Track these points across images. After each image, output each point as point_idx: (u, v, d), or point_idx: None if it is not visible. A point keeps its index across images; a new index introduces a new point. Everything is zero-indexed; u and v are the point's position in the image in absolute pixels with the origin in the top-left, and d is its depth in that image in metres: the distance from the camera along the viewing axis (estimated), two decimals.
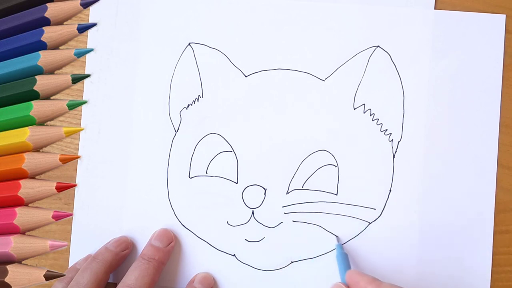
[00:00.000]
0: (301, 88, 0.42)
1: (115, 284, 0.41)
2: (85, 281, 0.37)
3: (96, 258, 0.39)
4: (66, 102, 0.43)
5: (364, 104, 0.42)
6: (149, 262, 0.39)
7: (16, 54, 0.43)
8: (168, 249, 0.40)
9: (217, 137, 0.42)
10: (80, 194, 0.42)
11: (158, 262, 0.39)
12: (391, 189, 0.41)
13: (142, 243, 0.42)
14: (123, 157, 0.42)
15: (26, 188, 0.42)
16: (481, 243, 0.40)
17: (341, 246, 0.40)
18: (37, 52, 0.43)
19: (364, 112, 0.41)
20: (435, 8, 0.42)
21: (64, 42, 0.44)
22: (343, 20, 0.42)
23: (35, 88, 0.42)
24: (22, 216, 0.41)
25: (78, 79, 0.43)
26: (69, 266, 0.42)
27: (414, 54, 0.42)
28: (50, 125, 0.43)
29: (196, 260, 0.41)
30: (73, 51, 0.43)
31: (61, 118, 0.43)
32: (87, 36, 0.43)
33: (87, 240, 0.42)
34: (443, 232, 0.41)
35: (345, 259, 0.39)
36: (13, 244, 0.41)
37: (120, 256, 0.40)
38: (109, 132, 0.43)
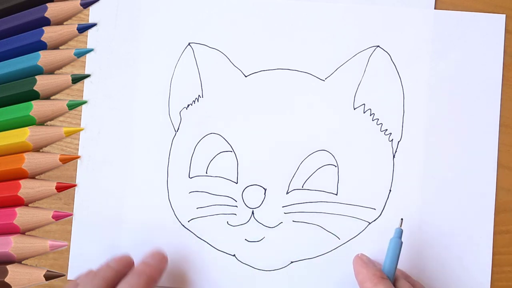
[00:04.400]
0: (301, 88, 0.42)
1: None
2: None
3: (97, 275, 0.37)
4: (66, 102, 0.43)
5: (364, 104, 0.42)
6: (139, 277, 0.37)
7: (16, 54, 0.43)
8: (160, 267, 0.39)
9: (217, 137, 0.42)
10: (80, 194, 0.42)
11: (149, 277, 0.37)
12: (391, 189, 0.41)
13: (142, 243, 0.42)
14: (123, 157, 0.42)
15: (26, 188, 0.42)
16: (481, 243, 0.40)
17: (400, 231, 0.38)
18: (37, 52, 0.43)
19: (364, 112, 0.41)
20: (435, 8, 0.42)
21: (64, 42, 0.44)
22: (343, 20, 0.42)
23: (35, 88, 0.42)
24: (22, 216, 0.41)
25: (78, 79, 0.43)
26: (69, 266, 0.42)
27: (414, 54, 0.42)
28: (50, 125, 0.43)
29: (196, 260, 0.41)
30: (73, 51, 0.43)
31: (61, 118, 0.43)
32: (87, 36, 0.43)
33: (87, 240, 0.42)
34: (443, 232, 0.41)
35: (398, 248, 0.37)
36: (13, 244, 0.41)
37: (122, 274, 0.38)
38: (109, 132, 0.43)
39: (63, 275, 0.41)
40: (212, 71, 0.42)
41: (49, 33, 0.43)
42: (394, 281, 0.37)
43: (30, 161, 0.42)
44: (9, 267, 0.41)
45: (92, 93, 0.43)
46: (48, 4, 0.43)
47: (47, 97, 0.43)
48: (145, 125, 0.42)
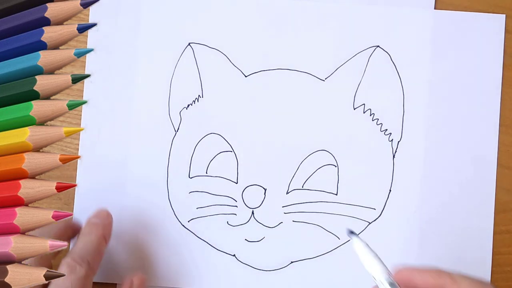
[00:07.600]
0: (301, 88, 0.42)
1: (115, 285, 0.41)
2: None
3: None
4: (66, 102, 0.43)
5: (364, 104, 0.42)
6: (90, 235, 0.38)
7: (16, 54, 0.43)
8: (106, 222, 0.40)
9: (217, 137, 0.42)
10: (80, 194, 0.42)
11: (99, 236, 0.38)
12: (391, 189, 0.41)
13: (142, 243, 0.42)
14: (123, 157, 0.42)
15: (26, 188, 0.41)
16: (481, 243, 0.40)
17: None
18: (37, 52, 0.43)
19: (364, 112, 0.42)
20: (435, 8, 0.42)
21: (64, 42, 0.43)
22: (343, 20, 0.42)
23: (35, 88, 0.42)
24: (22, 216, 0.41)
25: (78, 79, 0.43)
26: None
27: (414, 54, 0.42)
28: (50, 125, 0.43)
29: (196, 260, 0.41)
30: (73, 51, 0.43)
31: (61, 118, 0.43)
32: (87, 36, 0.43)
33: None
34: (443, 232, 0.41)
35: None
36: (13, 244, 0.41)
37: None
38: (109, 132, 0.43)
39: (63, 275, 0.41)
40: (212, 71, 0.42)
41: (49, 33, 0.43)
42: None
43: (30, 161, 0.42)
44: (9, 267, 0.40)
45: (92, 93, 0.43)
46: (48, 4, 0.43)
47: (47, 97, 0.43)
48: (145, 125, 0.42)
